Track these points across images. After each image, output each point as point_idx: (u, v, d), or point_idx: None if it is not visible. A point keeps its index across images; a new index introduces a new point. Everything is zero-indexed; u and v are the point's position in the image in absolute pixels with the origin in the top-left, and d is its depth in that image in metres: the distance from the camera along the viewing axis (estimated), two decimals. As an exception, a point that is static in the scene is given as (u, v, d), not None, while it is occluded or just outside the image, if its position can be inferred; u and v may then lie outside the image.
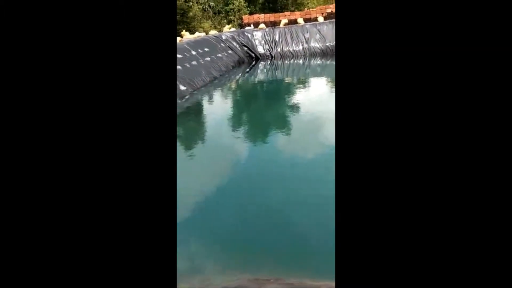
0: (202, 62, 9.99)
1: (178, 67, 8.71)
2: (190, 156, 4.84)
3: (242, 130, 5.94)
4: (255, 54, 13.26)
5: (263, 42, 13.44)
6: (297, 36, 13.40)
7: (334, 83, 8.02)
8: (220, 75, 10.34)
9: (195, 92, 8.38)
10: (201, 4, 18.26)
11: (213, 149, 5.01)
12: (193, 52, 10.02)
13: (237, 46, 12.89)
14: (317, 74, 10.57)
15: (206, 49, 10.88)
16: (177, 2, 15.56)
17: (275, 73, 11.46)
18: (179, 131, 6.13)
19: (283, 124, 5.88)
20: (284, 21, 14.31)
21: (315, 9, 16.11)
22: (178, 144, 5.42)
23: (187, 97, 7.91)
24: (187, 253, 2.62)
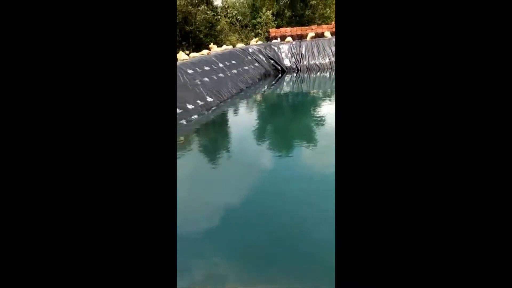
0: (229, 75, 10.14)
1: (206, 79, 8.87)
2: (214, 166, 4.88)
3: (266, 142, 5.95)
4: (281, 67, 13.33)
5: (289, 55, 13.52)
6: (324, 49, 13.40)
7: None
8: (246, 87, 10.45)
9: (221, 103, 8.49)
10: (229, 17, 18.63)
11: (236, 160, 5.04)
12: (220, 65, 10.19)
13: (264, 59, 13.02)
14: (343, 87, 10.47)
15: (233, 62, 11.04)
16: (206, 16, 15.95)
17: (300, 85, 11.46)
18: (205, 142, 6.21)
19: (307, 136, 5.85)
20: (311, 34, 14.37)
21: (342, 22, 16.06)
22: (203, 154, 5.49)
23: (213, 108, 8.03)
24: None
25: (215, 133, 6.73)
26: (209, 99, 8.24)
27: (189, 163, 5.04)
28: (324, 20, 19.65)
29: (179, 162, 5.09)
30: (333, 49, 13.30)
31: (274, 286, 2.45)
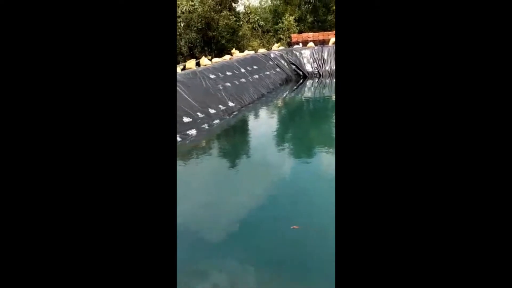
0: (251, 80, 10.19)
1: (228, 84, 8.94)
2: (232, 169, 4.91)
3: (286, 146, 5.93)
4: (303, 72, 13.30)
5: (311, 60, 13.47)
6: (346, 55, 13.27)
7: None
8: (267, 92, 10.47)
9: (243, 108, 8.54)
10: (251, 23, 18.75)
11: (255, 163, 5.04)
12: (242, 70, 10.26)
13: (285, 64, 13.02)
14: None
15: (255, 67, 11.10)
16: (228, 21, 16.11)
17: (322, 91, 11.39)
18: (225, 146, 6.24)
19: (327, 141, 5.79)
20: (333, 39, 14.27)
21: (365, 27, 15.89)
22: (223, 158, 5.52)
23: (235, 113, 8.08)
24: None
25: (235, 137, 6.76)
26: (230, 104, 8.30)
27: (209, 166, 5.08)
28: (347, 25, 19.43)
29: (200, 165, 5.14)
30: (356, 54, 13.15)
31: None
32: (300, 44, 14.87)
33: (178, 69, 9.01)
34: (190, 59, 10.85)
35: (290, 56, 13.33)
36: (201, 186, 4.41)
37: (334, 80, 12.52)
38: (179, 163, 5.13)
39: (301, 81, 12.83)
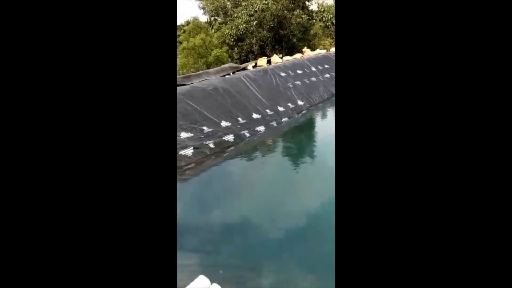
0: (321, 79, 10.00)
1: (298, 82, 8.88)
2: (297, 168, 4.85)
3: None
4: (376, 73, 12.73)
5: (386, 60, 12.83)
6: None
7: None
8: (337, 92, 10.21)
9: (312, 107, 8.42)
10: (324, 21, 18.42)
11: (320, 163, 4.92)
12: (313, 69, 10.11)
13: (358, 63, 12.57)
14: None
15: (326, 66, 10.87)
16: (300, 20, 15.99)
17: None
18: (292, 144, 6.20)
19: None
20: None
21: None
22: (288, 155, 5.48)
23: (304, 111, 8.00)
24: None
25: (302, 136, 6.69)
26: (299, 102, 8.23)
27: (273, 163, 5.08)
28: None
29: (263, 161, 5.17)
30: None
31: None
32: (375, 43, 14.24)
33: (250, 66, 9.15)
34: (261, 57, 10.96)
35: (363, 56, 12.84)
36: (264, 183, 4.42)
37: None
38: (244, 157, 5.20)
39: (374, 81, 12.29)
